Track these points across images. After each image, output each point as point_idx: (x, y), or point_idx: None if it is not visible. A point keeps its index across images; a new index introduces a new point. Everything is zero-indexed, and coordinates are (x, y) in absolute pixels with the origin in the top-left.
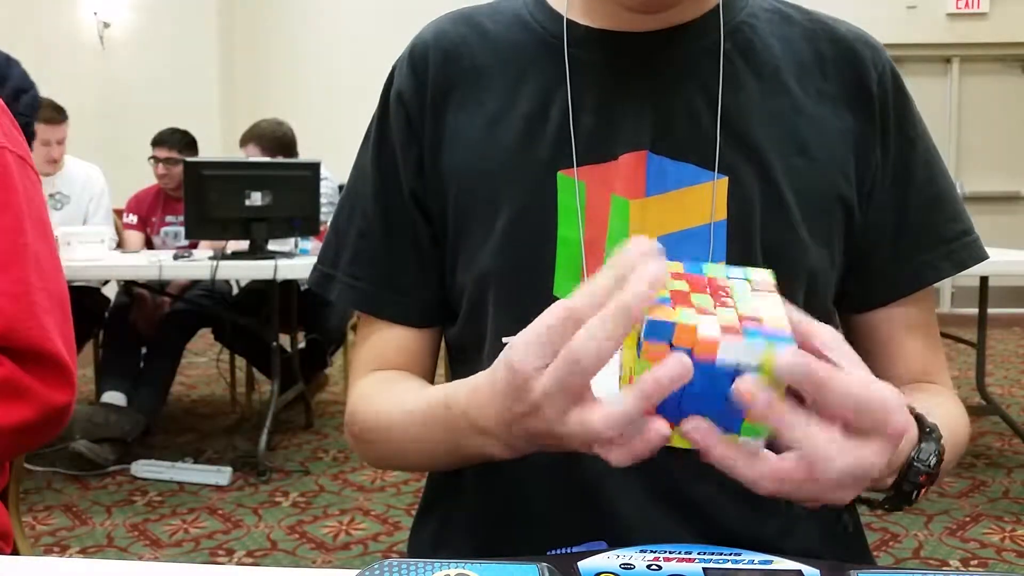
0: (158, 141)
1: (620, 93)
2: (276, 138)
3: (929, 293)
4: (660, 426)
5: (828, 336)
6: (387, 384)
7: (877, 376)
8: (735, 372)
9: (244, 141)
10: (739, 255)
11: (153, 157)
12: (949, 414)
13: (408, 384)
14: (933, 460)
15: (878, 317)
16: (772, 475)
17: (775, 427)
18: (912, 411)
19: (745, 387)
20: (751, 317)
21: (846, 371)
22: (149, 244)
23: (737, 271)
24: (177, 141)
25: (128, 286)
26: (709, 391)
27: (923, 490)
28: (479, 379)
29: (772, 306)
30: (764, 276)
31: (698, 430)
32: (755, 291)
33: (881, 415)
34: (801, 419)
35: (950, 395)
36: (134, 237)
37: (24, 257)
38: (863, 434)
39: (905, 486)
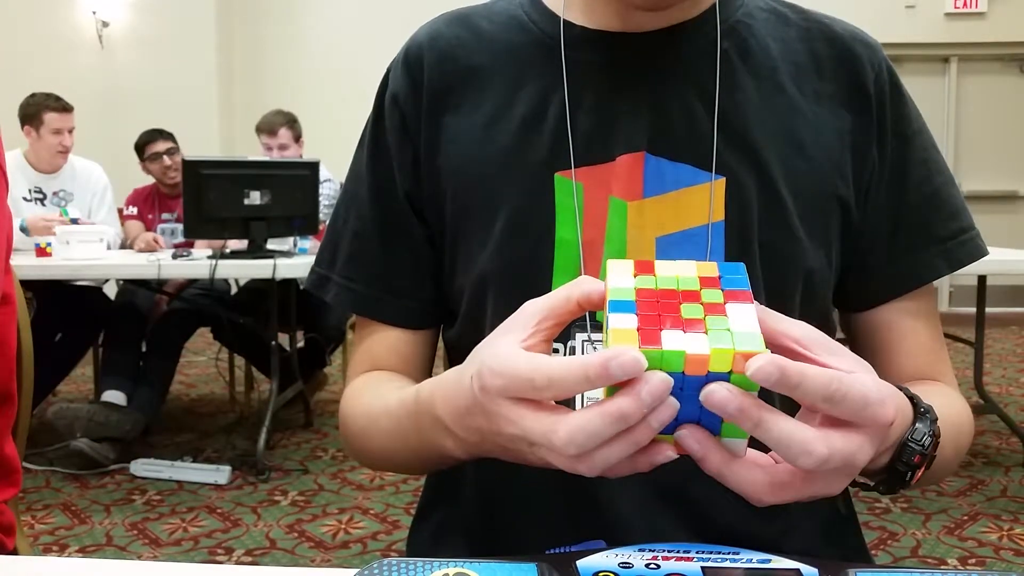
0: (148, 141)
1: (617, 94)
2: (299, 125)
3: (930, 291)
4: (657, 455)
5: (801, 332)
6: (373, 384)
7: (880, 374)
8: (708, 379)
9: (275, 126)
10: (737, 256)
11: (154, 153)
12: (950, 407)
13: (393, 383)
14: (928, 441)
15: (879, 316)
16: (767, 482)
17: (750, 431)
18: (906, 392)
19: (715, 396)
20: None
21: (821, 366)
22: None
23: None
24: (169, 135)
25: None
26: (687, 396)
27: (918, 472)
28: (448, 373)
29: (743, 309)
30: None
31: (693, 437)
32: (728, 294)
33: (860, 408)
34: (776, 418)
35: (952, 391)
36: (136, 227)
37: None
38: (844, 424)
39: (899, 466)
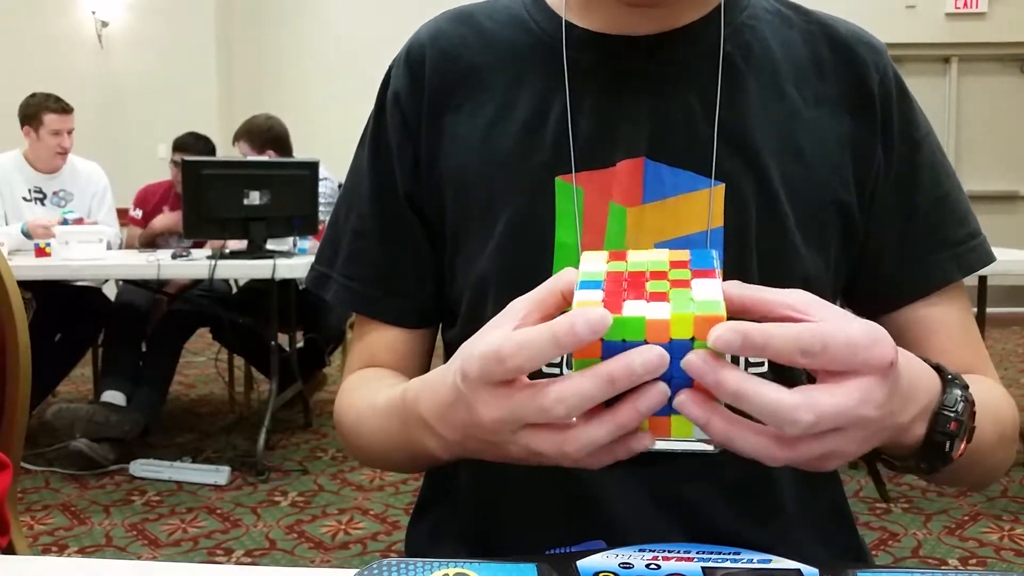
0: (182, 146)
1: (618, 98)
2: (266, 133)
3: (955, 291)
4: (635, 443)
5: (795, 298)
6: (366, 381)
7: None
8: (672, 348)
9: (236, 137)
10: (735, 261)
11: (175, 160)
12: (988, 392)
13: (384, 381)
14: (961, 406)
15: (903, 316)
16: (774, 440)
17: (731, 401)
18: (929, 362)
19: (693, 365)
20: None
21: (803, 323)
22: (151, 242)
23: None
24: (201, 148)
25: (163, 293)
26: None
27: (960, 444)
28: (434, 372)
29: (708, 283)
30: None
31: (694, 402)
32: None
33: (849, 355)
34: (756, 387)
35: (991, 380)
36: (136, 232)
37: None
38: (841, 377)
39: (936, 437)
